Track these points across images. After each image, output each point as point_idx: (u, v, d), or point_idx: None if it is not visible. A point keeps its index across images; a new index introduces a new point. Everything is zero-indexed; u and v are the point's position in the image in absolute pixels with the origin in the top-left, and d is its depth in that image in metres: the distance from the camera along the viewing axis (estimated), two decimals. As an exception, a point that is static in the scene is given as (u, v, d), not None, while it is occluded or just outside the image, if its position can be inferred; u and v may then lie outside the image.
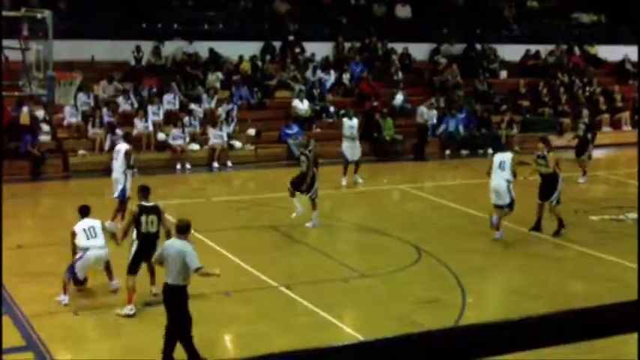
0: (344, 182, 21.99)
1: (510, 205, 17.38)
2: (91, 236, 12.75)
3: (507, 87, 31.43)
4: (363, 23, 31.21)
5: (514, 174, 17.47)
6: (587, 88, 31.98)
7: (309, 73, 28.69)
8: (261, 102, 27.42)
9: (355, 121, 22.73)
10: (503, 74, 32.18)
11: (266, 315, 12.53)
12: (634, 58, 34.71)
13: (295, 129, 25.90)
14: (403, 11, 32.51)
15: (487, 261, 16.06)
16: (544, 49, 33.45)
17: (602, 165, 26.98)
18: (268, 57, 28.82)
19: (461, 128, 27.52)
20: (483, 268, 15.68)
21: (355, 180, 22.18)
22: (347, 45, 30.33)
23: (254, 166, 24.97)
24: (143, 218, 12.35)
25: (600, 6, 36.83)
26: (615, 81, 33.60)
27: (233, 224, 17.78)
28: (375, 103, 27.50)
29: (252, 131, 26.00)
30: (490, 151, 27.22)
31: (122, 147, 17.43)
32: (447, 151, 27.19)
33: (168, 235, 11.95)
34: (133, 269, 12.33)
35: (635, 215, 19.52)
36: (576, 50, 34.20)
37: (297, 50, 29.45)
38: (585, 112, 26.96)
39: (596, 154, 27.76)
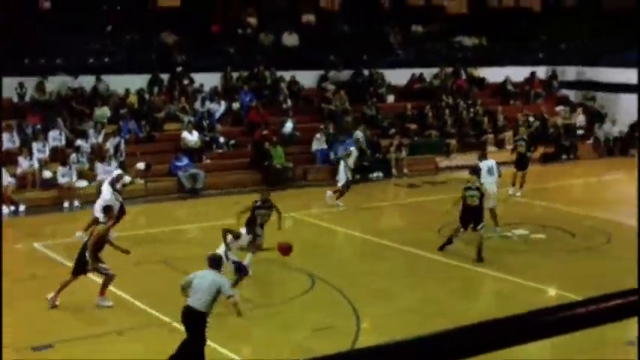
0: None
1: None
2: None
3: (395, 111, 31.96)
4: (251, 52, 31.32)
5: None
6: (472, 110, 32.79)
7: (197, 104, 28.57)
8: (149, 135, 27.15)
9: None
10: (391, 98, 32.73)
11: (160, 352, 12.34)
12: (515, 79, 35.88)
13: (185, 161, 25.73)
14: (290, 39, 32.77)
15: (381, 284, 16.21)
16: (429, 72, 34.20)
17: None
18: (156, 89, 28.59)
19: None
20: (377, 291, 15.81)
21: None
22: (235, 75, 30.34)
23: (144, 200, 24.62)
24: None
25: (481, 30, 37.91)
26: (498, 102, 34.58)
27: (124, 261, 17.47)
28: (265, 132, 27.56)
29: (141, 165, 25.60)
30: (378, 174, 27.67)
31: None
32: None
33: None
34: None
35: (521, 231, 20.09)
36: (460, 73, 35.06)
37: (186, 81, 29.31)
38: (522, 129, 27.72)
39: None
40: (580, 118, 34.34)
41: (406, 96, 33.00)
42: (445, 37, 37.16)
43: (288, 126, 28.62)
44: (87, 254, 14.16)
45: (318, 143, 27.97)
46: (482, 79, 35.60)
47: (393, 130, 29.47)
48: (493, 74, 35.82)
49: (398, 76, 33.54)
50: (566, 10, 42.12)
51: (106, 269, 14.46)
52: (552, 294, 15.99)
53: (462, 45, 37.25)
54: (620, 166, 31.45)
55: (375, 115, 30.94)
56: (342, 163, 23.35)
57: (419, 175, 28.18)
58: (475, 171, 18.83)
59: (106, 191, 19.12)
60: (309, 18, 34.39)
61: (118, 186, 19.27)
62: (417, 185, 26.82)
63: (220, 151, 27.39)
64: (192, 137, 26.68)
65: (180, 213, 23.86)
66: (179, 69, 29.46)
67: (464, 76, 35.04)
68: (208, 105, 28.70)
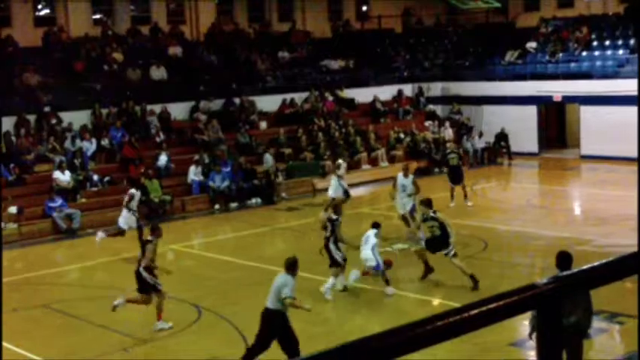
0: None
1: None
2: None
3: (268, 137, 32.14)
4: (119, 88, 30.97)
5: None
6: (343, 130, 33.30)
7: (68, 144, 27.99)
8: (20, 178, 26.43)
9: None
10: (263, 125, 32.89)
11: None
12: (383, 97, 36.66)
13: (59, 201, 25.15)
14: (158, 73, 32.58)
15: (267, 309, 16.21)
16: (299, 97, 34.57)
17: (364, 202, 28.12)
18: (23, 131, 27.86)
19: (225, 182, 27.75)
20: (265, 316, 15.83)
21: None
22: (104, 111, 29.91)
23: (19, 245, 23.89)
24: None
25: (347, 52, 38.61)
26: (369, 121, 35.23)
27: (3, 308, 16.95)
28: (142, 170, 27.15)
29: (13, 209, 24.95)
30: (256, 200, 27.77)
31: None
32: (217, 206, 27.32)
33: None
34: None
35: (401, 245, 20.48)
36: (329, 95, 35.57)
37: (54, 121, 28.71)
38: (451, 145, 28.23)
39: (358, 191, 28.94)
40: (448, 132, 35.33)
41: (278, 121, 33.27)
42: (312, 62, 37.67)
43: (163, 159, 28.40)
44: None
45: (194, 174, 27.86)
46: (352, 100, 36.22)
47: (267, 156, 29.55)
48: (362, 94, 36.51)
49: (269, 103, 33.80)
50: (426, 29, 43.40)
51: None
52: (436, 304, 16.33)
53: (329, 68, 37.83)
54: (490, 174, 32.57)
55: (249, 142, 31.04)
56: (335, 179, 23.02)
57: (298, 199, 28.41)
58: (426, 202, 17.76)
59: None
60: (175, 50, 34.27)
61: None
62: (296, 208, 27.03)
63: (95, 189, 26.92)
64: (64, 177, 26.13)
65: (58, 255, 23.31)
66: (46, 109, 28.85)
67: (333, 99, 35.57)
68: (79, 143, 28.18)
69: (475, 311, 2.38)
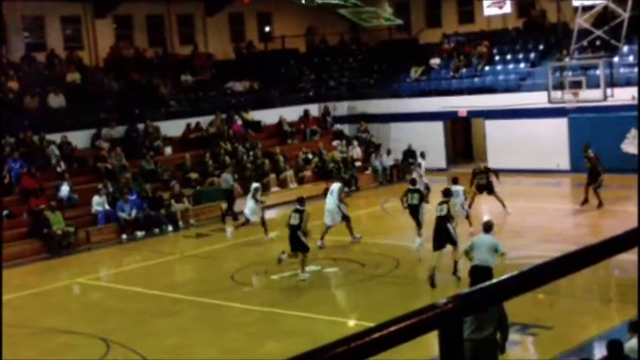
0: None
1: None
2: None
3: (174, 162, 31.48)
4: (15, 118, 29.87)
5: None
6: (251, 153, 32.86)
7: (-37, 177, 26.84)
8: None
9: None
10: (168, 150, 32.20)
11: None
12: (290, 118, 36.41)
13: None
14: (56, 100, 31.61)
15: (178, 340, 15.72)
16: (204, 120, 34.00)
17: (275, 224, 27.69)
18: None
19: (134, 211, 26.97)
20: (176, 346, 15.33)
21: None
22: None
23: None
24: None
25: (252, 74, 38.28)
26: (276, 142, 34.89)
27: None
28: (43, 205, 26.10)
29: None
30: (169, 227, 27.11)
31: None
32: (124, 236, 26.50)
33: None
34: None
35: (313, 267, 20.16)
36: (235, 118, 35.10)
37: (-53, 154, 27.51)
38: (420, 161, 28.40)
39: (268, 214, 28.56)
40: (357, 151, 35.26)
41: (184, 146, 32.63)
42: (216, 84, 37.20)
43: (65, 189, 27.42)
44: None
45: (98, 204, 26.99)
46: (258, 122, 35.84)
47: (173, 182, 28.89)
48: (268, 116, 36.19)
49: (173, 127, 33.13)
50: (330, 47, 43.42)
51: None
52: (351, 324, 16.06)
53: (234, 90, 37.42)
54: (399, 192, 32.40)
55: (155, 168, 30.31)
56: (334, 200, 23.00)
57: (206, 224, 27.82)
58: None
59: None
60: (73, 77, 33.35)
61: None
62: (205, 234, 26.46)
63: (-7, 223, 25.81)
64: (-40, 212, 24.99)
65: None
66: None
67: (239, 121, 35.11)
68: (-26, 176, 27.03)
69: (376, 335, 2.37)
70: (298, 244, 19.44)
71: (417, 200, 21.33)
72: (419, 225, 21.01)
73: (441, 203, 18.22)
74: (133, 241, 26.13)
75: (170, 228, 27.25)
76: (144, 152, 30.78)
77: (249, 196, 24.34)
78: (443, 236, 17.71)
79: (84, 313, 18.52)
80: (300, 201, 20.53)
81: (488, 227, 15.19)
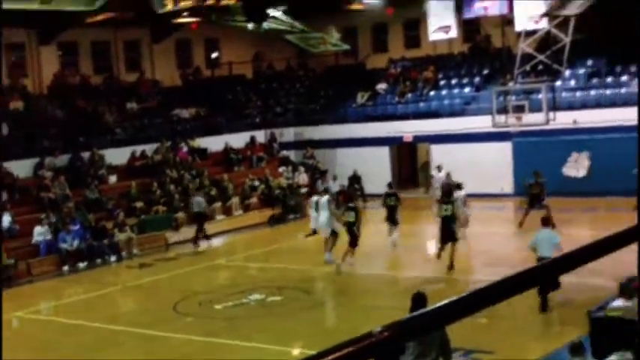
0: None
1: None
2: None
3: (119, 191, 31.12)
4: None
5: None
6: (197, 180, 32.63)
7: None
8: None
9: None
10: (113, 179, 31.84)
11: None
12: (236, 145, 36.26)
13: None
14: (-1, 129, 31.18)
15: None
16: (150, 148, 33.70)
17: (220, 253, 27.56)
18: None
19: (76, 242, 26.55)
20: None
21: None
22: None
23: None
24: None
25: (198, 101, 38.12)
26: (223, 169, 34.70)
27: None
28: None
29: None
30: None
31: None
32: (66, 267, 26.04)
33: None
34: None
35: (257, 296, 20.03)
36: (181, 145, 34.86)
37: None
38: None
39: (214, 242, 28.41)
40: (303, 177, 35.22)
41: (129, 174, 32.28)
42: (162, 111, 36.96)
43: (6, 220, 26.93)
44: None
45: (40, 234, 26.56)
46: (204, 149, 35.64)
47: (118, 211, 28.54)
48: (214, 143, 36.01)
49: (118, 155, 32.76)
50: (277, 73, 43.43)
51: None
52: (295, 353, 15.95)
53: (180, 117, 37.20)
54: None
55: (99, 197, 29.94)
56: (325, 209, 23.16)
57: (150, 254, 27.49)
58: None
59: None
60: (16, 104, 32.91)
61: None
62: (148, 264, 26.14)
63: None
64: None
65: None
66: None
67: (185, 148, 34.88)
68: None
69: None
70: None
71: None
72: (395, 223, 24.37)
73: (445, 203, 20.93)
74: (75, 273, 25.69)
75: (113, 258, 26.90)
76: (88, 181, 30.40)
77: (325, 209, 23.57)
78: (447, 234, 20.73)
79: (22, 348, 18.12)
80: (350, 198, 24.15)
81: (546, 222, 17.71)
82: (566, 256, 3.14)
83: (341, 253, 22.14)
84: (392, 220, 24.59)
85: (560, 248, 15.80)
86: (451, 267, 20.62)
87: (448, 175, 28.47)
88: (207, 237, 28.08)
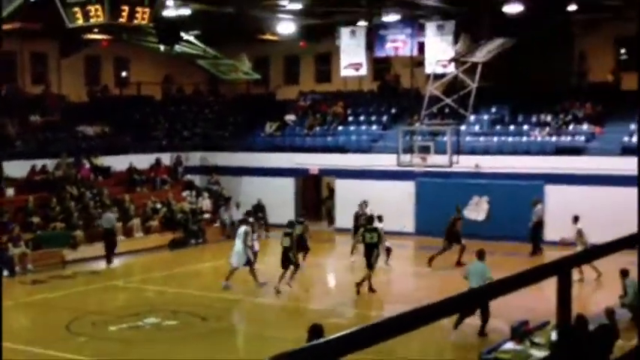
0: None
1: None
2: None
3: (16, 205, 30.31)
4: None
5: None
6: (98, 199, 32.06)
7: None
8: None
9: None
10: (11, 192, 31.01)
11: None
12: (140, 166, 35.79)
13: None
14: None
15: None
16: (51, 163, 32.97)
17: (118, 274, 27.10)
18: None
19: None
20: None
21: None
22: None
23: None
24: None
25: (105, 118, 37.56)
26: (125, 190, 34.19)
27: None
28: None
29: None
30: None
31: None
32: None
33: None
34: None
35: (153, 319, 19.76)
36: (83, 162, 34.22)
37: None
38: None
39: (114, 262, 27.96)
40: (206, 202, 35.01)
41: (28, 188, 31.48)
42: (66, 126, 36.25)
43: None
44: None
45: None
46: (108, 168, 35.07)
47: (13, 225, 27.78)
48: (118, 162, 35.46)
49: (17, 168, 31.91)
50: (186, 97, 43.20)
51: None
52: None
53: (85, 134, 36.57)
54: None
55: (-5, 209, 29.11)
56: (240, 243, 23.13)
57: (45, 271, 26.81)
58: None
59: None
60: None
61: None
62: (42, 281, 25.49)
63: None
64: None
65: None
66: None
67: (87, 165, 34.25)
68: None
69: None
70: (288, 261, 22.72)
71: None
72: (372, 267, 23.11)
73: (369, 231, 22.37)
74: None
75: (6, 273, 26.11)
76: (-16, 192, 29.54)
77: (240, 239, 23.37)
78: (372, 258, 22.06)
79: None
80: (292, 224, 24.13)
81: (481, 255, 18.19)
82: (485, 287, 3.22)
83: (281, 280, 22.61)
84: (370, 261, 22.50)
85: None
86: (370, 287, 22.19)
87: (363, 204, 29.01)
88: (111, 257, 27.54)
